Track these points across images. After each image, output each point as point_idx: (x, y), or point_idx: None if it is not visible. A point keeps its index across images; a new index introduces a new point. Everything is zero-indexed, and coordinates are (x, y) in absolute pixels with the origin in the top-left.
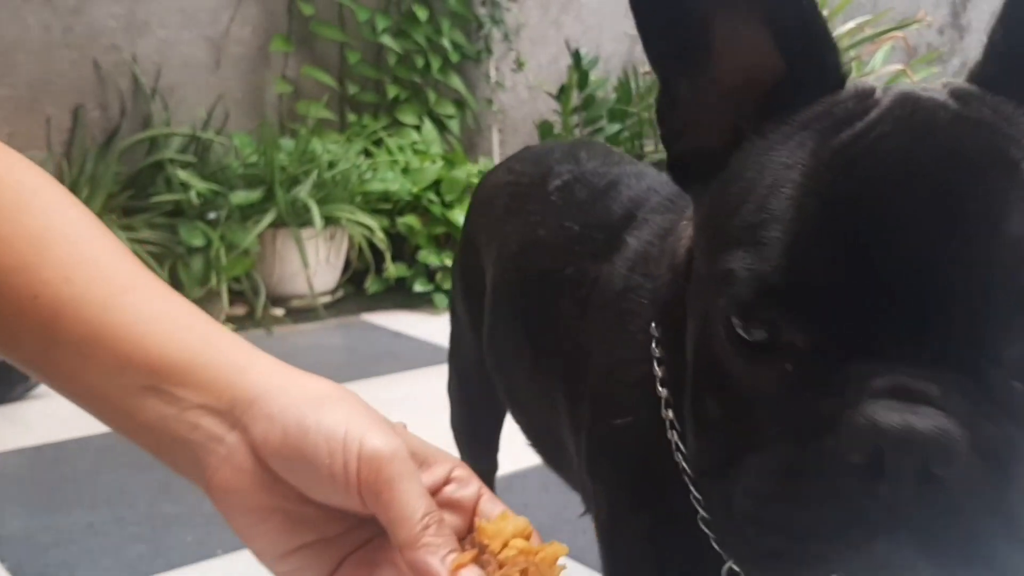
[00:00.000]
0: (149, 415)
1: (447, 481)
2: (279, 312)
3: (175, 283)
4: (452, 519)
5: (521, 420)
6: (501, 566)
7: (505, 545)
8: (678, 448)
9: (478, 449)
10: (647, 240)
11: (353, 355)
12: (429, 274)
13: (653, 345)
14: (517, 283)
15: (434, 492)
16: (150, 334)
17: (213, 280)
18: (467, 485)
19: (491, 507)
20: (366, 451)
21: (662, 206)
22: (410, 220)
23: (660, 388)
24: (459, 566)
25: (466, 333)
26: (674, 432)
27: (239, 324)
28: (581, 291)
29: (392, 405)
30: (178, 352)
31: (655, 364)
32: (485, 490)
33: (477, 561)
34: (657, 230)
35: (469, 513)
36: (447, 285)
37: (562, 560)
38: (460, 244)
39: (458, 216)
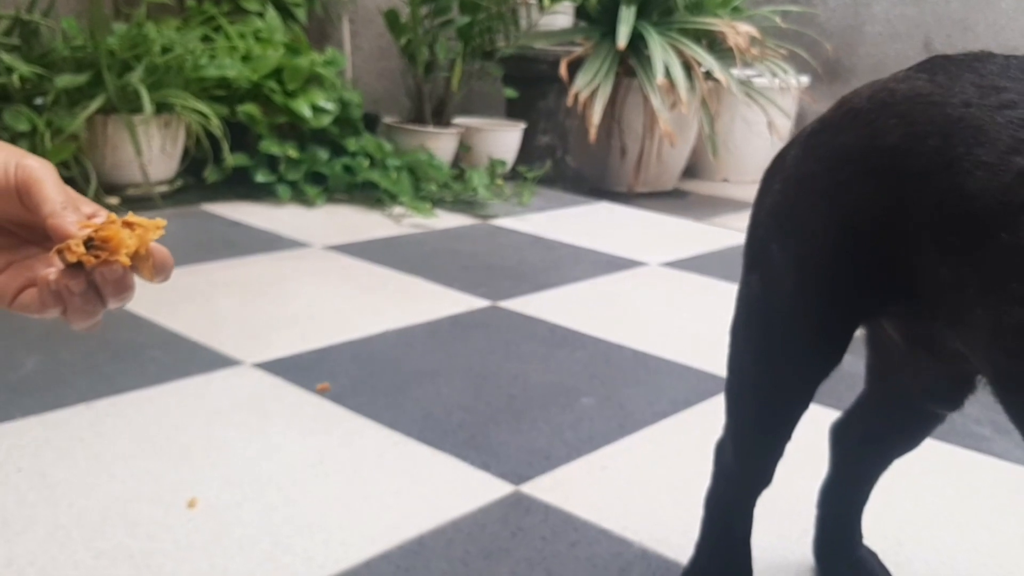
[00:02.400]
0: None
1: (93, 215)
2: (113, 200)
3: None
4: None
5: None
6: None
7: None
8: None
9: (766, 461)
10: None
11: (186, 241)
12: (271, 164)
13: None
14: None
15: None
16: None
17: None
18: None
19: None
20: (22, 164)
21: None
22: (250, 109)
23: None
24: (85, 226)
25: (804, 298)
26: None
27: None
28: None
29: (218, 288)
30: None
31: None
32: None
33: None
34: None
35: None
36: (290, 176)
37: None
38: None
39: (301, 105)
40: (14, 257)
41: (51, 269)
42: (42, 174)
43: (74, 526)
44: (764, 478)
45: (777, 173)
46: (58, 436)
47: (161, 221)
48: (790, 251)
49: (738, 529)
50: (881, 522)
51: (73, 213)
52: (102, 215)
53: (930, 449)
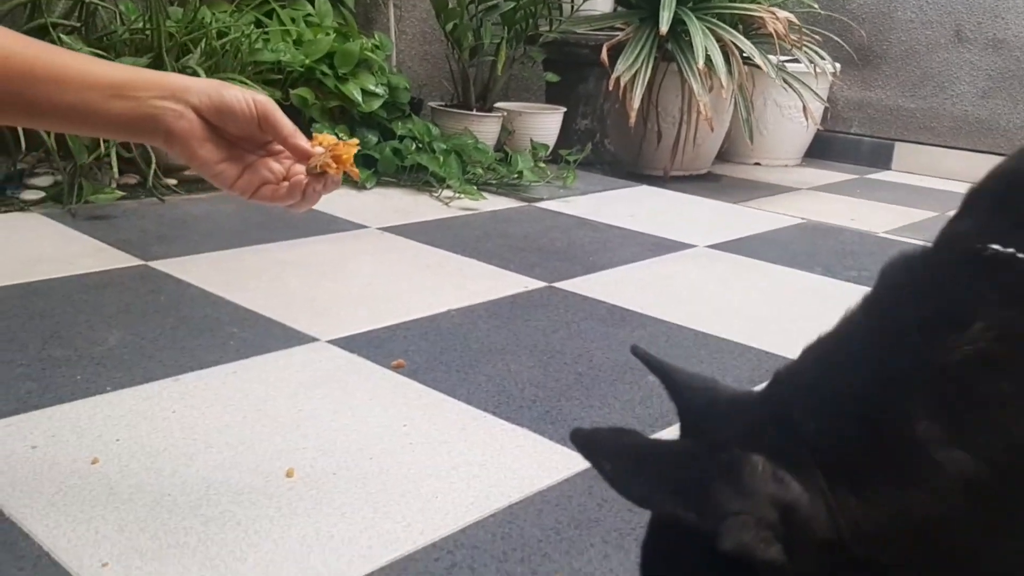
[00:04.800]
0: (119, 111)
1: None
2: (172, 182)
3: (64, 149)
4: None
5: None
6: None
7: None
8: None
9: None
10: None
11: (246, 223)
12: None
13: None
14: None
15: None
16: (107, 66)
17: (102, 147)
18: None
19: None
20: (257, 99)
21: None
22: (303, 92)
23: None
24: (315, 145)
25: None
26: None
27: (131, 193)
28: None
29: (284, 268)
30: (128, 73)
31: None
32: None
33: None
34: None
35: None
36: None
37: None
38: None
39: (352, 90)
40: (245, 163)
41: (300, 177)
42: (275, 107)
43: (179, 494)
44: None
45: None
46: (151, 409)
47: (356, 140)
48: None
49: None
50: None
51: (302, 136)
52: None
53: None
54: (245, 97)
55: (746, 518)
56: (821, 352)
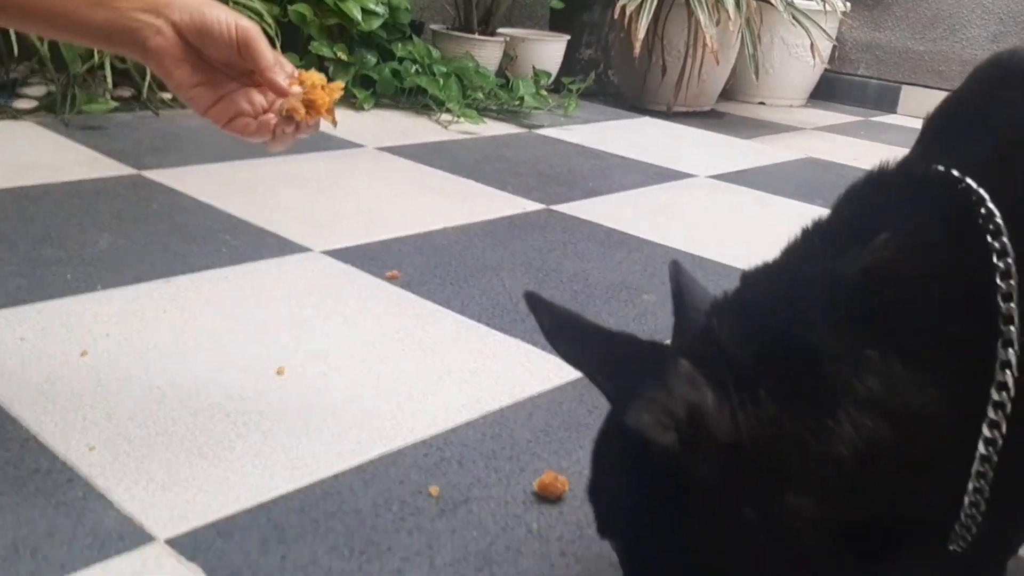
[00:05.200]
0: (99, 20)
1: (292, 73)
2: (166, 95)
3: (57, 57)
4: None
5: None
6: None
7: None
8: None
9: None
10: None
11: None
12: (321, 66)
13: None
14: None
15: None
16: None
17: (96, 58)
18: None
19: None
20: (240, 24)
21: None
22: (302, 9)
23: None
24: (292, 83)
25: None
26: None
27: (125, 105)
28: None
29: (278, 182)
30: None
31: None
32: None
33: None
34: None
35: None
36: (340, 78)
37: None
38: None
39: (352, 7)
40: (223, 92)
41: (269, 116)
42: (258, 34)
43: (169, 388)
44: None
45: None
46: (141, 308)
47: (341, 83)
48: None
49: None
50: None
51: (281, 70)
52: (292, 70)
53: None
54: (227, 20)
55: (653, 404)
56: (755, 274)
